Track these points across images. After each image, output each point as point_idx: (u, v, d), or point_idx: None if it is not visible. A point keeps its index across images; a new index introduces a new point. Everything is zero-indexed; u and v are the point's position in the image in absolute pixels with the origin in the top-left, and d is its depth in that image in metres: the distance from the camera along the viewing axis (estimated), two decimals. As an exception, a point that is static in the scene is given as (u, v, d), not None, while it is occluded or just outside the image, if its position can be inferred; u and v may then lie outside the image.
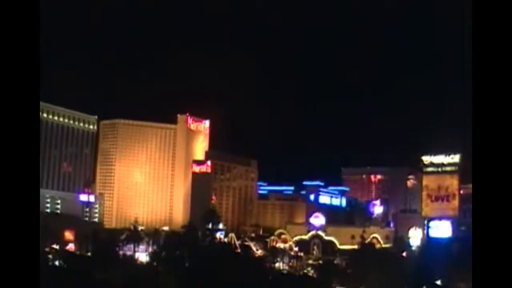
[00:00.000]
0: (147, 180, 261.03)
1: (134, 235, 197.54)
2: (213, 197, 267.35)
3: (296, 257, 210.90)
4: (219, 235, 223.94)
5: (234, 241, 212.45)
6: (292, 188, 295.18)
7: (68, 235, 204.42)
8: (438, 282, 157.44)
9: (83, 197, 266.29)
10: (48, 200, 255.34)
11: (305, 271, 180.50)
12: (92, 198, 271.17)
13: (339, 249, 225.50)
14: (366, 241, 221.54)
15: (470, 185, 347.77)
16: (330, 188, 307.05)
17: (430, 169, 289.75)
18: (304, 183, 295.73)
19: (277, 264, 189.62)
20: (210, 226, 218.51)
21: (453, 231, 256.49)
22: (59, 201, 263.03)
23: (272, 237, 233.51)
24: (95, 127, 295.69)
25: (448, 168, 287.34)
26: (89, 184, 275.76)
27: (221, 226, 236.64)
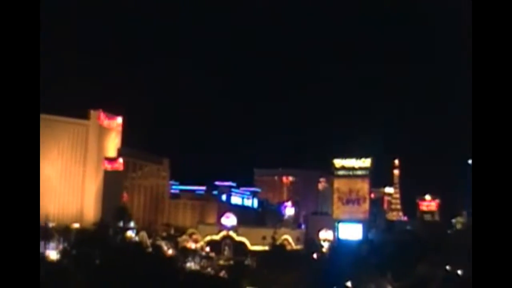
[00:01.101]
0: (58, 177, 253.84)
1: (45, 232, 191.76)
2: (125, 195, 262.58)
3: (207, 257, 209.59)
4: (130, 233, 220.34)
5: (145, 239, 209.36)
6: (204, 188, 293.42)
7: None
8: (348, 284, 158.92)
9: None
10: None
11: (216, 271, 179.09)
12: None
13: (250, 250, 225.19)
14: (277, 242, 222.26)
15: (380, 189, 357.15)
16: (242, 188, 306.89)
17: (341, 172, 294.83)
18: (216, 183, 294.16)
19: (188, 264, 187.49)
20: (121, 224, 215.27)
21: (363, 233, 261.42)
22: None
23: (184, 237, 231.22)
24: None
25: (359, 172, 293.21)
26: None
27: (132, 224, 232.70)
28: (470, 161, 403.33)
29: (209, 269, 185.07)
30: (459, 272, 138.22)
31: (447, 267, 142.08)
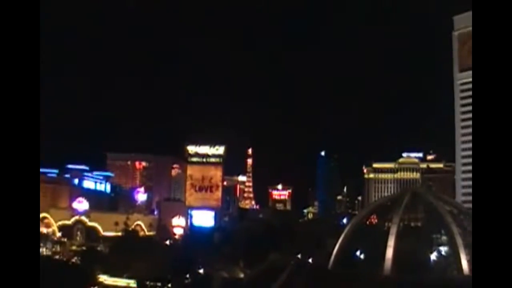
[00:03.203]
0: None
1: None
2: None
3: (60, 242, 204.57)
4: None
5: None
6: (56, 171, 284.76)
7: None
8: (201, 271, 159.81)
9: None
10: None
11: (68, 257, 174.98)
12: None
13: (103, 235, 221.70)
14: (130, 228, 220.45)
15: (233, 177, 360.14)
16: (95, 173, 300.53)
17: (194, 159, 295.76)
18: (68, 166, 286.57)
19: (40, 250, 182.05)
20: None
21: (216, 221, 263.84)
22: None
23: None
24: None
25: (213, 160, 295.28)
26: None
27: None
28: (322, 153, 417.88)
29: (61, 255, 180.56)
30: (310, 260, 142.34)
31: (299, 256, 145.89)
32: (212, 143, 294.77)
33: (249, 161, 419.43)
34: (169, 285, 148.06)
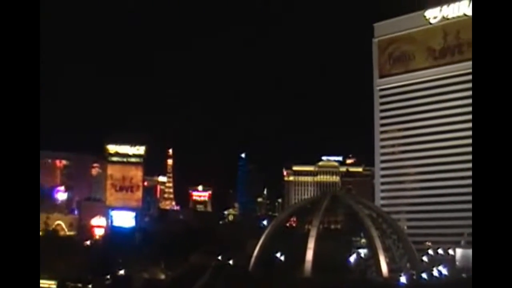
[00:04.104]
0: None
1: None
2: None
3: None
4: None
5: None
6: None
7: None
8: (122, 272, 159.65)
9: None
10: None
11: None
12: None
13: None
14: (50, 228, 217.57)
15: (154, 177, 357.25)
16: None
17: (115, 158, 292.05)
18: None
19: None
20: None
21: (136, 221, 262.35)
22: None
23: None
24: None
25: (133, 159, 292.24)
26: None
27: None
28: (243, 155, 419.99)
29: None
30: (231, 262, 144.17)
31: (219, 257, 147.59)
32: (133, 142, 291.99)
33: (170, 161, 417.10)
34: (90, 285, 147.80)
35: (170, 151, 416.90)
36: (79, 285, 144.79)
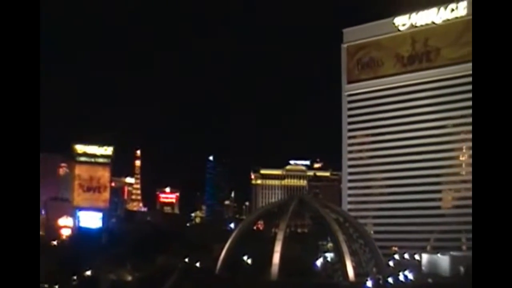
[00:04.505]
0: None
1: None
2: None
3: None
4: None
5: None
6: None
7: None
8: (88, 273, 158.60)
9: None
10: None
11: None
12: None
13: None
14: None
15: (121, 178, 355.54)
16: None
17: (83, 158, 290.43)
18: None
19: None
20: None
21: (104, 222, 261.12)
22: None
23: None
24: None
25: (101, 160, 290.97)
26: None
27: None
28: (211, 157, 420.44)
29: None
30: (198, 264, 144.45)
31: (186, 260, 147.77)
32: (101, 143, 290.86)
33: (137, 162, 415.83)
34: (56, 286, 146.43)
35: (138, 152, 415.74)
36: (46, 286, 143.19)
